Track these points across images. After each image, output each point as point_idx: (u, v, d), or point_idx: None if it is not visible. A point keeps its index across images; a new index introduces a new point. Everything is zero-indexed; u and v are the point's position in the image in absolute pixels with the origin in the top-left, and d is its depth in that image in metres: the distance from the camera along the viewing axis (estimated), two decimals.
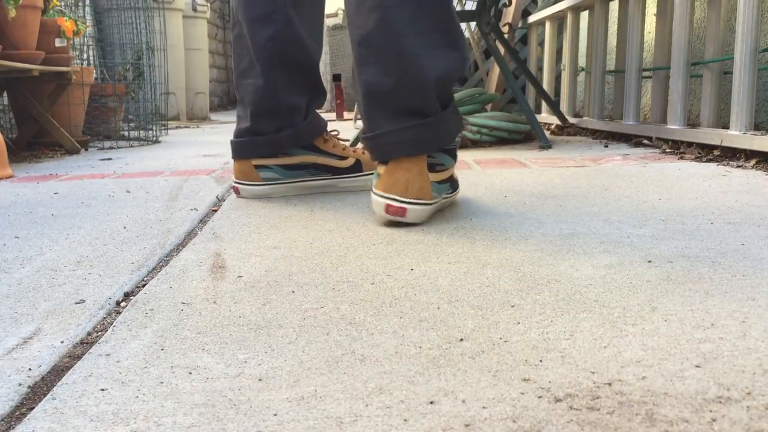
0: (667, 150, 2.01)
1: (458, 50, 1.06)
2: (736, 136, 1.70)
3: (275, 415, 0.47)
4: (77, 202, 1.40)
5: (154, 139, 3.22)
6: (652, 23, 2.42)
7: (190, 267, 0.86)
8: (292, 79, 1.32)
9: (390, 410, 0.47)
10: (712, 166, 1.64)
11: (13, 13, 2.34)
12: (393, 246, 0.93)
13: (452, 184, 1.18)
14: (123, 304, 0.74)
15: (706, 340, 0.57)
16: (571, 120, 2.83)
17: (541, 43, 3.26)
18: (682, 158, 1.82)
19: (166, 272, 0.84)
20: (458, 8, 3.16)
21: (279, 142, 1.34)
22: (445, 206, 1.18)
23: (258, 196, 1.36)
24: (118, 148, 2.90)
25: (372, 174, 1.40)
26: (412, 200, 1.03)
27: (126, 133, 3.29)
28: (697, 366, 0.52)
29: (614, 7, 2.75)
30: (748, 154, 1.68)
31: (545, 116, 3.09)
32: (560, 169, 1.68)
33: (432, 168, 1.08)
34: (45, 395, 0.52)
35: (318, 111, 1.41)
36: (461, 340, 0.59)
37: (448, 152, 1.13)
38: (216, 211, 1.26)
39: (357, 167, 1.40)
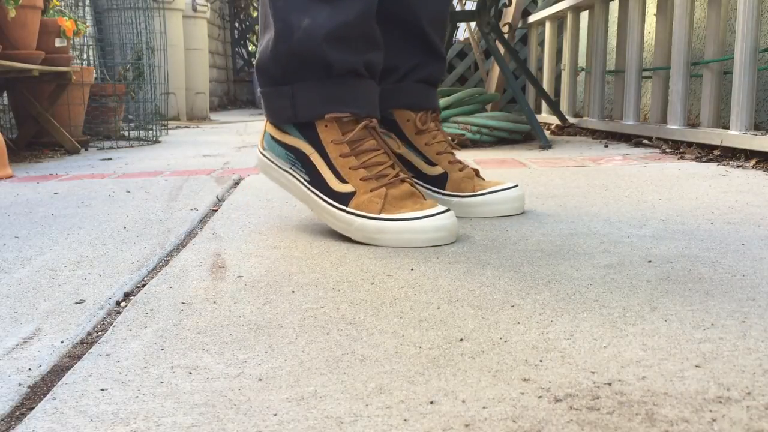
0: (667, 150, 2.01)
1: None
2: (736, 136, 1.70)
3: (275, 415, 0.47)
4: (77, 202, 1.40)
5: (154, 139, 3.22)
6: (652, 23, 2.42)
7: (190, 267, 0.86)
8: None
9: (390, 410, 0.47)
10: (712, 166, 1.64)
11: (13, 13, 2.34)
12: (393, 246, 0.93)
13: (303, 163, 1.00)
14: (123, 304, 0.74)
15: (706, 340, 0.57)
16: (571, 120, 2.83)
17: (541, 43, 3.26)
18: (682, 158, 1.82)
19: (166, 272, 0.84)
20: (458, 8, 3.16)
21: None
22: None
23: None
24: (118, 148, 2.90)
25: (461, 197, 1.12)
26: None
27: (126, 133, 3.29)
28: (697, 366, 0.52)
29: (614, 7, 2.75)
30: (748, 154, 1.68)
31: (545, 116, 3.09)
32: (560, 169, 1.68)
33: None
34: (45, 395, 0.52)
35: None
36: (461, 340, 0.59)
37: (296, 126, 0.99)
38: (216, 211, 1.26)
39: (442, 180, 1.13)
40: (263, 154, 1.08)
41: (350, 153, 0.97)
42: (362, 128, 0.97)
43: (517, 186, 1.13)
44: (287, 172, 1.04)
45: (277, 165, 1.05)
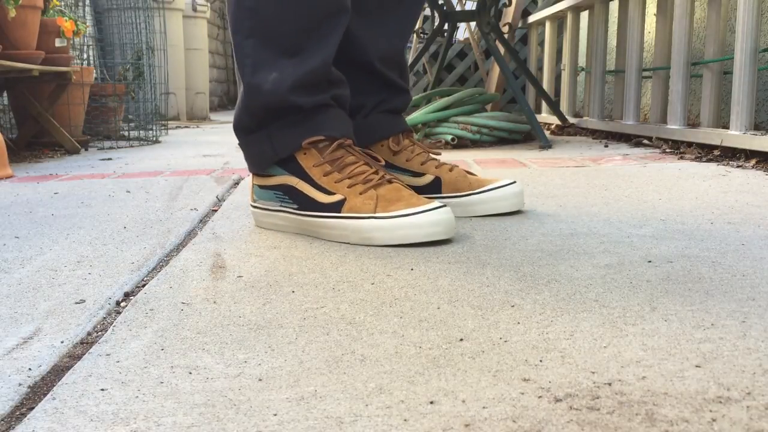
0: (667, 150, 2.01)
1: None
2: (736, 136, 1.70)
3: (275, 415, 0.47)
4: (77, 202, 1.40)
5: (154, 139, 3.22)
6: (652, 23, 2.42)
7: (190, 267, 0.86)
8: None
9: (390, 410, 0.47)
10: (712, 166, 1.64)
11: (13, 13, 2.34)
12: (392, 246, 0.93)
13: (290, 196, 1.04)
14: (123, 304, 0.74)
15: (706, 340, 0.57)
16: (571, 120, 2.83)
17: (541, 43, 3.26)
18: (682, 158, 1.82)
19: (166, 272, 0.84)
20: (458, 8, 3.16)
21: None
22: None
23: None
24: (118, 148, 2.90)
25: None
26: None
27: (126, 133, 3.29)
28: (697, 366, 0.52)
29: (614, 7, 2.75)
30: (748, 154, 1.68)
31: (545, 116, 3.09)
32: (560, 169, 1.68)
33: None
34: (45, 395, 0.52)
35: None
36: (461, 340, 0.59)
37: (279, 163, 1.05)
38: (216, 211, 1.26)
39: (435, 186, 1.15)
40: (255, 206, 1.10)
41: (333, 170, 1.00)
42: (338, 147, 1.02)
43: (515, 182, 1.13)
44: (278, 211, 1.06)
45: (269, 209, 1.07)
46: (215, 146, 2.78)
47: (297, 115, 1.03)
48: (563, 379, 0.51)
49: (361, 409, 0.47)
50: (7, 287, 0.80)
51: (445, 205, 0.95)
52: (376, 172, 1.00)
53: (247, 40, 1.02)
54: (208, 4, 5.54)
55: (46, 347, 0.61)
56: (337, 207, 0.97)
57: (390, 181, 0.99)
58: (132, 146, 2.98)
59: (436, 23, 2.80)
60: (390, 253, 0.90)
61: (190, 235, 1.07)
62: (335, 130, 1.03)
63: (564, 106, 2.96)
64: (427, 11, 3.60)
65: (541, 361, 0.54)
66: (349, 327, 0.63)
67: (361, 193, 0.96)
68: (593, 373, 0.51)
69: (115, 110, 3.31)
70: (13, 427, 0.47)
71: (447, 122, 2.36)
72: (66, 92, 2.72)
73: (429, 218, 0.92)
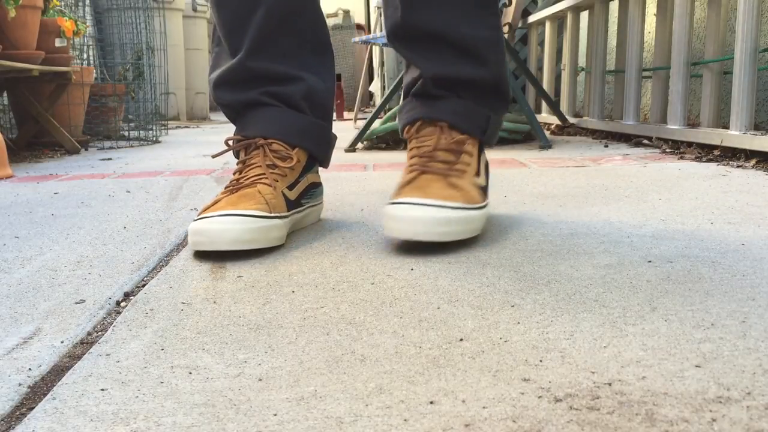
0: (667, 150, 2.01)
1: None
2: (736, 136, 1.70)
3: (275, 415, 0.47)
4: (77, 202, 1.40)
5: (154, 139, 3.22)
6: (652, 23, 2.42)
7: (190, 267, 0.86)
8: None
9: (390, 410, 0.47)
10: (712, 166, 1.64)
11: (13, 13, 2.34)
12: (392, 246, 0.93)
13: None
14: (123, 304, 0.74)
15: (706, 340, 0.57)
16: (571, 120, 2.83)
17: (541, 43, 3.26)
18: (682, 158, 1.82)
19: (166, 272, 0.84)
20: None
21: None
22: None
23: None
24: (118, 148, 2.90)
25: None
26: None
27: (126, 133, 3.29)
28: (697, 366, 0.52)
29: (614, 7, 2.75)
30: (748, 154, 1.68)
31: (545, 116, 3.09)
32: (560, 169, 1.68)
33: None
34: (45, 395, 0.52)
35: None
36: (461, 340, 0.59)
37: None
38: None
39: None
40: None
41: (236, 170, 1.03)
42: (245, 147, 1.03)
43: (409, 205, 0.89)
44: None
45: None
46: (215, 146, 2.78)
47: (233, 113, 1.07)
48: (563, 379, 0.51)
49: (361, 409, 0.47)
50: (7, 287, 0.80)
51: (232, 215, 0.90)
52: (238, 180, 0.99)
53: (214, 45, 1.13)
54: (208, 4, 5.54)
55: (46, 347, 0.61)
56: None
57: (237, 190, 0.96)
58: (132, 146, 2.98)
59: None
60: (390, 253, 0.90)
61: None
62: (251, 130, 1.03)
63: (564, 106, 2.96)
64: None
65: (541, 361, 0.54)
66: (349, 327, 0.63)
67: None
68: (593, 373, 0.51)
69: (115, 110, 3.31)
70: (13, 427, 0.47)
71: None
72: (66, 92, 2.72)
73: (197, 226, 0.90)
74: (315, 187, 1.10)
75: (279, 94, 1.05)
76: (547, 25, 3.10)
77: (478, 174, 0.98)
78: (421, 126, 1.00)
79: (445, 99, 1.00)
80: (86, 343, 0.63)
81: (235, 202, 0.93)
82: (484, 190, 0.99)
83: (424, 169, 0.93)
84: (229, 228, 0.88)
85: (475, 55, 0.99)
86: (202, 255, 0.92)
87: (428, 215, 0.85)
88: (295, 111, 1.06)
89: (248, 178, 0.99)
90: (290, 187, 1.02)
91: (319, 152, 1.09)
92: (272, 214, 0.94)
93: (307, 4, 1.09)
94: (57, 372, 0.56)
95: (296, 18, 1.07)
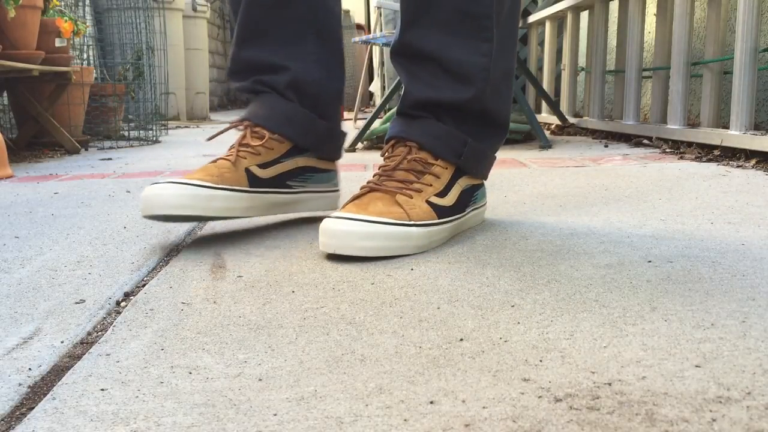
0: (667, 150, 2.01)
1: None
2: (736, 136, 1.70)
3: (275, 415, 0.47)
4: (77, 202, 1.40)
5: (154, 139, 3.22)
6: (652, 23, 2.42)
7: (190, 267, 0.86)
8: None
9: (390, 410, 0.47)
10: (712, 166, 1.64)
11: (12, 13, 2.34)
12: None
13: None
14: (123, 304, 0.74)
15: (706, 340, 0.57)
16: (571, 120, 2.83)
17: (541, 43, 3.26)
18: (682, 158, 1.82)
19: (166, 272, 0.84)
20: None
21: None
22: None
23: None
24: (118, 148, 2.90)
25: None
26: None
27: (126, 133, 3.29)
28: (697, 366, 0.52)
29: (614, 7, 2.75)
30: (748, 154, 1.68)
31: (545, 116, 3.09)
32: (560, 169, 1.68)
33: None
34: (45, 395, 0.52)
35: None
36: (461, 340, 0.59)
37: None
38: None
39: None
40: None
41: None
42: (245, 128, 1.08)
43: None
44: None
45: None
46: (215, 146, 2.78)
47: (245, 98, 1.13)
48: (563, 379, 0.51)
49: (361, 409, 0.47)
50: (7, 287, 0.80)
51: (173, 182, 0.95)
52: (215, 161, 1.03)
53: None
54: (208, 4, 5.54)
55: (46, 347, 0.61)
56: None
57: (215, 162, 1.02)
58: (132, 146, 2.98)
59: None
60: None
61: (190, 235, 1.07)
62: (250, 116, 1.08)
63: (564, 106, 2.96)
64: None
65: (541, 361, 0.54)
66: (349, 327, 0.63)
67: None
68: (593, 373, 0.51)
69: (115, 110, 3.31)
70: (13, 427, 0.47)
71: None
72: (66, 92, 2.72)
73: (145, 192, 0.96)
74: (315, 172, 1.11)
75: (267, 83, 1.09)
76: (547, 25, 3.10)
77: (442, 195, 0.96)
78: (395, 144, 1.00)
79: (422, 120, 0.99)
80: (86, 343, 0.63)
81: (190, 174, 0.99)
82: (446, 210, 0.95)
83: (374, 186, 0.94)
84: (163, 194, 0.95)
85: (463, 79, 0.97)
86: (202, 255, 0.92)
87: (350, 229, 0.86)
88: (282, 98, 1.09)
89: (219, 156, 1.04)
90: (262, 166, 1.04)
91: (304, 141, 1.08)
92: (217, 185, 0.98)
93: None
94: (57, 372, 0.56)
95: (285, 8, 1.08)
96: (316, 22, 1.10)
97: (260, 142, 1.04)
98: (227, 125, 1.07)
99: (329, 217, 0.89)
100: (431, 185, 0.95)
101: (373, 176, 0.97)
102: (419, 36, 0.98)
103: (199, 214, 0.96)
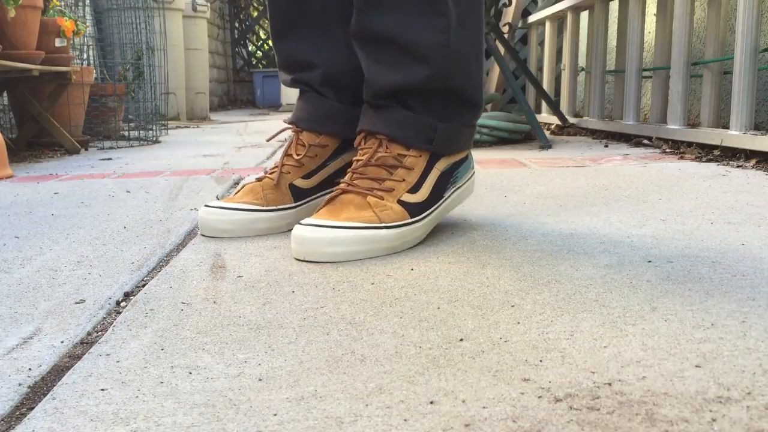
0: (667, 150, 2.01)
1: None
2: (736, 136, 1.70)
3: (275, 415, 0.47)
4: (77, 202, 1.40)
5: (154, 139, 3.22)
6: (652, 23, 2.42)
7: (190, 267, 0.86)
8: None
9: (390, 410, 0.47)
10: (712, 166, 1.64)
11: (12, 13, 2.34)
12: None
13: None
14: (123, 304, 0.74)
15: (706, 340, 0.57)
16: (571, 120, 2.83)
17: (541, 43, 3.26)
18: (682, 158, 1.82)
19: (166, 272, 0.84)
20: None
21: None
22: None
23: None
24: (118, 148, 2.90)
25: None
26: None
27: (126, 133, 3.29)
28: (697, 366, 0.52)
29: (614, 7, 2.75)
30: (748, 154, 1.68)
31: (545, 116, 3.09)
32: (560, 169, 1.68)
33: None
34: (45, 395, 0.52)
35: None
36: (461, 340, 0.59)
37: None
38: None
39: None
40: None
41: None
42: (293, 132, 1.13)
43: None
44: None
45: None
46: (215, 146, 2.78)
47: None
48: (563, 379, 0.51)
49: (361, 409, 0.47)
50: (7, 287, 0.80)
51: (219, 208, 1.03)
52: (260, 179, 1.09)
53: None
54: (208, 4, 5.54)
55: (46, 347, 0.61)
56: None
57: (261, 180, 1.07)
58: (132, 146, 2.98)
59: None
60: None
61: (190, 235, 1.07)
62: (295, 119, 1.11)
63: (564, 106, 2.96)
64: None
65: (541, 361, 0.54)
66: (349, 327, 0.63)
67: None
68: (593, 373, 0.51)
69: (115, 110, 3.31)
70: (13, 427, 0.47)
71: None
72: (66, 92, 2.72)
73: (201, 215, 1.05)
74: None
75: (303, 81, 1.11)
76: (547, 25, 3.10)
77: (414, 191, 0.95)
78: (366, 137, 0.99)
79: (387, 109, 0.98)
80: (86, 343, 0.63)
81: (238, 197, 1.07)
82: (418, 207, 0.94)
83: (347, 188, 0.94)
84: (210, 218, 1.04)
85: (422, 59, 0.94)
86: (202, 255, 0.92)
87: (317, 236, 0.87)
88: (321, 96, 1.10)
89: (264, 174, 1.10)
90: (306, 176, 1.08)
91: (350, 135, 1.06)
92: (261, 208, 1.04)
93: None
94: (57, 372, 0.56)
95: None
96: (341, 7, 1.07)
97: (303, 152, 1.08)
98: (282, 128, 1.13)
99: (300, 224, 0.90)
100: (403, 180, 0.94)
101: (346, 174, 0.97)
102: (376, 19, 0.96)
103: (245, 235, 1.03)
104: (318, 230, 0.87)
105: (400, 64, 0.96)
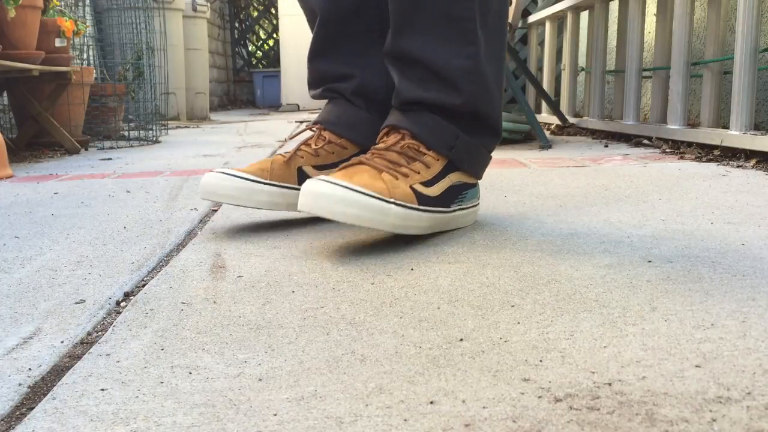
0: (667, 150, 2.01)
1: None
2: (736, 136, 1.70)
3: (275, 415, 0.47)
4: (77, 202, 1.40)
5: (154, 139, 3.22)
6: (652, 23, 2.42)
7: (190, 267, 0.86)
8: None
9: (390, 410, 0.47)
10: (712, 166, 1.64)
11: (12, 13, 2.34)
12: (393, 246, 0.93)
13: None
14: (123, 304, 0.74)
15: (706, 340, 0.57)
16: (571, 120, 2.83)
17: (541, 43, 3.26)
18: (682, 158, 1.82)
19: (166, 272, 0.84)
20: None
21: None
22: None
23: None
24: (118, 148, 2.90)
25: None
26: None
27: (126, 133, 3.29)
28: (697, 366, 0.52)
29: (614, 7, 2.75)
30: (748, 154, 1.68)
31: (545, 116, 3.09)
32: (560, 169, 1.68)
33: None
34: (45, 395, 0.52)
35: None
36: (461, 340, 0.59)
37: None
38: (216, 211, 1.26)
39: None
40: None
41: None
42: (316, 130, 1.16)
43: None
44: None
45: None
46: (215, 146, 2.78)
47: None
48: (563, 379, 0.51)
49: (361, 409, 0.47)
50: (7, 287, 0.80)
51: (225, 174, 1.05)
52: (274, 156, 1.11)
53: None
54: (208, 4, 5.54)
55: (46, 347, 0.61)
56: None
57: (287, 162, 1.10)
58: (132, 146, 2.98)
59: None
60: (390, 253, 0.90)
61: (190, 235, 1.07)
62: (321, 120, 1.15)
63: (564, 106, 2.96)
64: None
65: (541, 361, 0.54)
66: (349, 327, 0.63)
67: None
68: (593, 373, 0.51)
69: (115, 110, 3.31)
70: (13, 427, 0.47)
71: None
72: (66, 92, 2.72)
73: (204, 179, 1.06)
74: None
75: (335, 90, 1.16)
76: (547, 25, 3.10)
77: (429, 185, 0.96)
78: (388, 132, 1.01)
79: (414, 112, 1.00)
80: (86, 343, 0.63)
81: (246, 167, 1.08)
82: (428, 199, 0.95)
83: (363, 161, 0.94)
84: (213, 182, 1.05)
85: (449, 83, 0.97)
86: (202, 255, 0.92)
87: (329, 192, 0.85)
88: (351, 104, 1.14)
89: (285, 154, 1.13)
90: (318, 167, 1.10)
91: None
92: (264, 180, 1.06)
93: (368, 2, 1.12)
94: (57, 372, 0.56)
95: (355, 19, 1.12)
96: (383, 29, 1.10)
97: (321, 145, 1.10)
98: (301, 127, 1.17)
99: (312, 179, 0.89)
100: (419, 173, 0.95)
101: (365, 154, 0.98)
102: (407, 40, 1.00)
103: (243, 204, 1.04)
104: (332, 186, 0.86)
105: (428, 84, 0.99)
